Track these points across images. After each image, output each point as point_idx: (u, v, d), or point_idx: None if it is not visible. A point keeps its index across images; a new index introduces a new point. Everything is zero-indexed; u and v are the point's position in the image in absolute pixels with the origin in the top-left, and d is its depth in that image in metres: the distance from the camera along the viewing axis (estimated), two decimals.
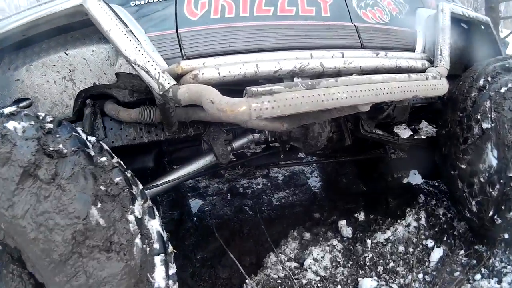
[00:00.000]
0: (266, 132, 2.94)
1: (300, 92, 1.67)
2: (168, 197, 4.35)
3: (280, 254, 3.15)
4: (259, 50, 2.09)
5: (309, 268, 2.86)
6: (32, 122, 1.62)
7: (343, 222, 3.31)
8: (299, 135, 3.04)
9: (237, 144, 2.82)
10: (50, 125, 1.69)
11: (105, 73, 2.17)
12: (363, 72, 2.15)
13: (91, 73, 2.16)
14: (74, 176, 1.53)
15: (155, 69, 1.84)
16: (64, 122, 1.78)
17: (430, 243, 2.75)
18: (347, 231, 3.24)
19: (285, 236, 3.47)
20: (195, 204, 4.72)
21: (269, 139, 3.11)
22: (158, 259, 1.68)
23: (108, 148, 1.90)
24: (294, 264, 3.00)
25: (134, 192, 1.74)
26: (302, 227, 3.54)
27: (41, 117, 1.72)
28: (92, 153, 1.69)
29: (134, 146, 2.58)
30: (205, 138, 2.65)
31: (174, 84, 1.84)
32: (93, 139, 1.86)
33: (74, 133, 1.70)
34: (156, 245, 1.72)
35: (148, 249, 1.66)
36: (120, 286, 1.47)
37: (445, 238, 2.79)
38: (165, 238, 1.83)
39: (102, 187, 1.61)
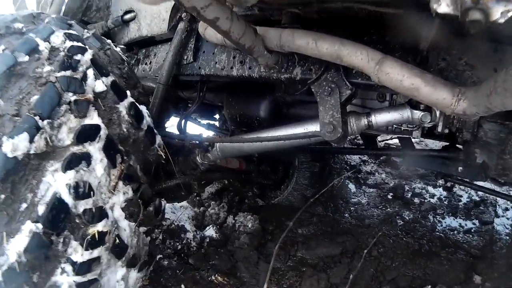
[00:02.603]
0: (437, 113, 1.63)
1: None
2: (310, 167, 3.47)
3: None
4: None
5: None
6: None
7: None
8: (495, 139, 1.67)
9: (379, 118, 1.68)
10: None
11: None
12: None
13: None
14: None
15: None
16: (57, 24, 1.39)
17: None
18: None
19: None
20: (344, 188, 3.71)
21: (441, 129, 1.74)
22: None
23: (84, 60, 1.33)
24: None
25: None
26: None
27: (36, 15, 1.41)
28: (22, 59, 1.19)
29: (252, 88, 2.18)
30: (314, 89, 1.61)
31: None
32: (76, 45, 1.33)
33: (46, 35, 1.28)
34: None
35: None
36: None
37: None
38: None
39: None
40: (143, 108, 1.57)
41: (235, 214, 3.08)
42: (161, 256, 2.50)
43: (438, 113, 1.60)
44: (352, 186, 3.77)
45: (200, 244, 2.72)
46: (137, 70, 2.38)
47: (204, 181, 2.44)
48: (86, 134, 1.26)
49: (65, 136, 1.20)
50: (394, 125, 1.86)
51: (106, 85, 1.38)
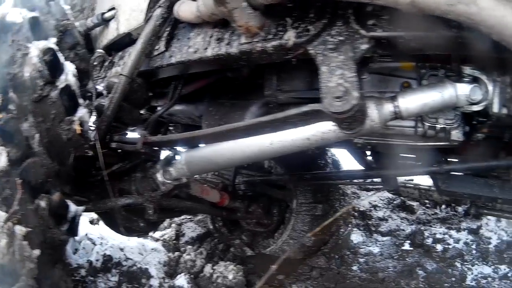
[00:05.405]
0: (489, 86, 1.17)
1: None
2: (311, 210, 2.89)
3: None
4: None
5: None
6: None
7: None
8: None
9: (411, 102, 1.17)
10: None
11: None
12: None
13: None
14: None
15: None
16: None
17: None
18: None
19: None
20: (353, 237, 3.13)
21: (498, 109, 1.21)
22: None
23: None
24: None
25: None
26: None
27: None
28: None
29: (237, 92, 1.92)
30: (312, 50, 1.12)
31: None
32: None
33: None
34: None
35: None
36: None
37: None
38: None
39: None
40: (69, 64, 1.32)
41: (215, 263, 2.53)
42: None
43: (491, 86, 1.14)
44: (360, 234, 3.19)
45: None
46: (110, 73, 2.07)
47: (166, 207, 1.90)
48: None
49: None
50: (427, 124, 1.38)
51: (23, 18, 1.19)
